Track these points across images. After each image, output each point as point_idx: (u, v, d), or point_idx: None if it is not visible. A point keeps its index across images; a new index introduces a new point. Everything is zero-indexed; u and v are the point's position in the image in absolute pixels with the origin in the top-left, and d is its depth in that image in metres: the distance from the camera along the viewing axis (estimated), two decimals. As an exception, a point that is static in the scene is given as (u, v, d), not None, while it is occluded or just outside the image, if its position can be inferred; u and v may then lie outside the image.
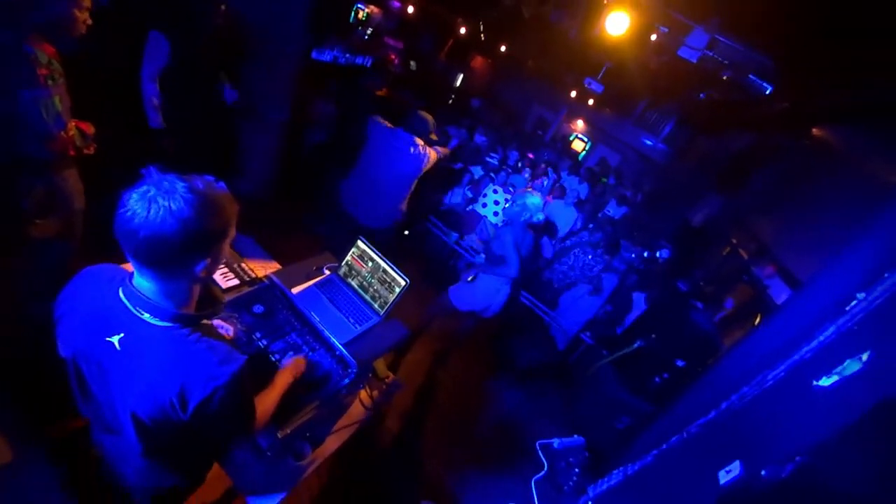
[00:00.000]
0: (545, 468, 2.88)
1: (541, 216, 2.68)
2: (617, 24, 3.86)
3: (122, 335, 0.86)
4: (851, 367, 1.49)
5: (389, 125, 2.86)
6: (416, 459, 2.58)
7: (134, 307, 0.86)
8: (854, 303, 1.60)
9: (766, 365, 1.92)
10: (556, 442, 3.08)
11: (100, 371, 0.90)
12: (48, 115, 1.67)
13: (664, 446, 2.24)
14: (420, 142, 2.84)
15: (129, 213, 0.74)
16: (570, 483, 2.78)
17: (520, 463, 2.86)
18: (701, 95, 5.96)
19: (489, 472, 2.71)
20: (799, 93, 3.88)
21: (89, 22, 1.75)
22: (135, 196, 0.75)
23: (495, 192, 4.69)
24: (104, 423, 1.01)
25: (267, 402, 1.16)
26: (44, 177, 1.79)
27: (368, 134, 2.91)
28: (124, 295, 0.87)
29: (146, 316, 0.86)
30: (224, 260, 0.92)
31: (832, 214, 2.82)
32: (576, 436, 3.10)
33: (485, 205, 4.66)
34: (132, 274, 0.88)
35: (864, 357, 1.47)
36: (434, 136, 2.94)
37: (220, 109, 2.74)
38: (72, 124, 1.79)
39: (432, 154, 2.91)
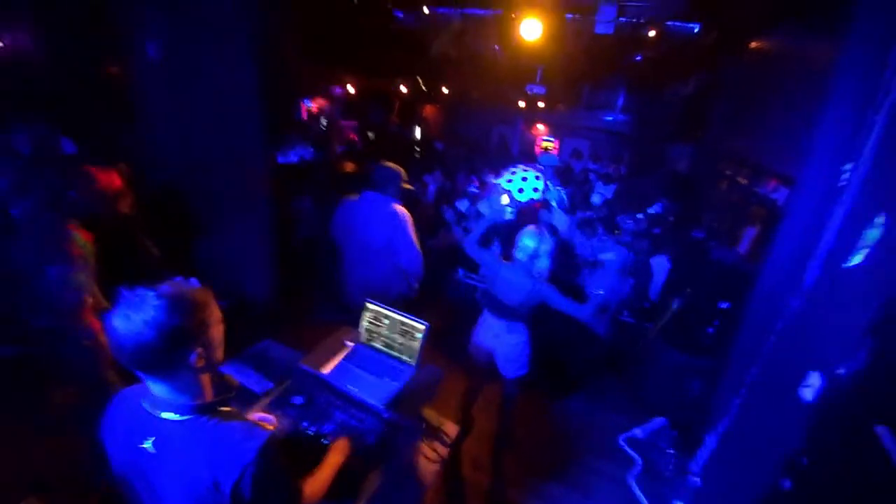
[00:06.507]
0: (639, 462, 2.70)
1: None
2: (531, 30, 4.13)
3: (153, 438, 0.92)
4: (872, 235, 1.46)
5: (354, 196, 2.68)
6: (503, 498, 2.45)
7: (154, 410, 0.92)
8: (845, 175, 1.59)
9: (798, 270, 1.87)
10: (638, 432, 2.92)
11: (145, 481, 0.94)
12: (69, 288, 1.83)
13: (742, 391, 2.13)
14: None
15: (111, 334, 0.83)
16: (670, 467, 2.60)
17: (610, 466, 2.70)
18: (637, 58, 6.20)
19: (581, 487, 2.54)
20: (720, 18, 4.05)
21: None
22: (113, 318, 0.84)
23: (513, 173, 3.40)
24: None
25: (316, 482, 1.16)
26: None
27: (339, 218, 2.74)
28: (146, 402, 0.94)
29: (167, 415, 0.92)
30: (220, 342, 0.97)
31: (797, 111, 2.84)
32: (655, 418, 2.95)
33: (510, 180, 3.37)
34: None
35: (881, 220, 1.44)
36: (407, 185, 2.71)
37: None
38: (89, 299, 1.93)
39: (399, 208, 2.61)
